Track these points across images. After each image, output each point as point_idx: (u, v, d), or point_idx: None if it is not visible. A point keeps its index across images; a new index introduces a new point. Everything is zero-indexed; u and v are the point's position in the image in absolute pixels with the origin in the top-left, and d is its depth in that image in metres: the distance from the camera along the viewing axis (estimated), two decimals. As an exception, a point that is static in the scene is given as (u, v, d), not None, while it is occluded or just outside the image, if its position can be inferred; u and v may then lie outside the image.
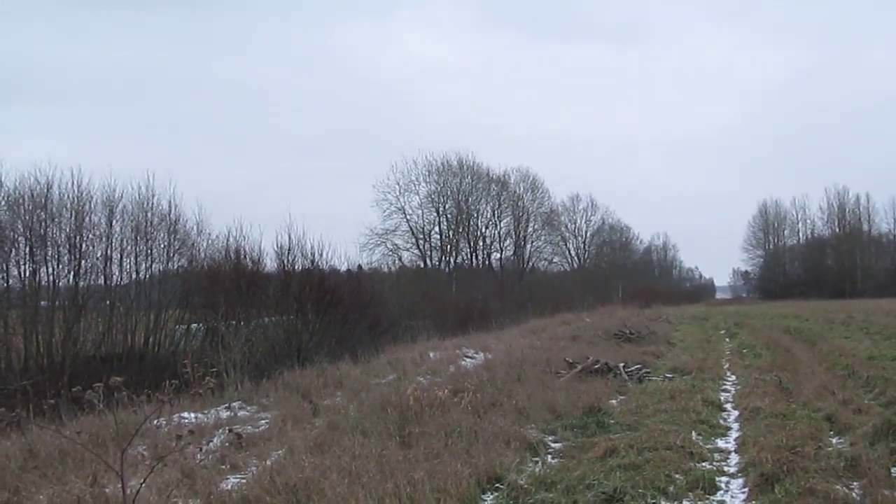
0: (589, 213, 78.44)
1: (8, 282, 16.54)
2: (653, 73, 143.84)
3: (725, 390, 14.56)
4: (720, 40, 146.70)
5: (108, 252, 18.27)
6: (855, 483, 7.50)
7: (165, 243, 19.70)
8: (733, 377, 16.32)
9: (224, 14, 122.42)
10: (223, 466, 8.67)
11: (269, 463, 8.43)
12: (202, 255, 20.63)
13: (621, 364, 16.88)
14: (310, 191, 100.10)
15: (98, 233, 18.12)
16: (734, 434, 10.54)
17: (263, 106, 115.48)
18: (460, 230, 60.02)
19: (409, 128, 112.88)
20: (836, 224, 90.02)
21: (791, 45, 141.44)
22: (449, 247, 59.37)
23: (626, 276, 76.65)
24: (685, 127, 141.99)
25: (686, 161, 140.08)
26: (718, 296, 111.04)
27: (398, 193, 57.52)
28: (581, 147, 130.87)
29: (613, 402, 13.24)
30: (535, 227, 65.23)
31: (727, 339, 27.54)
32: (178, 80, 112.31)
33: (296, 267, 21.41)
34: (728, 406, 12.80)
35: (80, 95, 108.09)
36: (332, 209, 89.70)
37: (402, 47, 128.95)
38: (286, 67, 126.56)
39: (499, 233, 62.73)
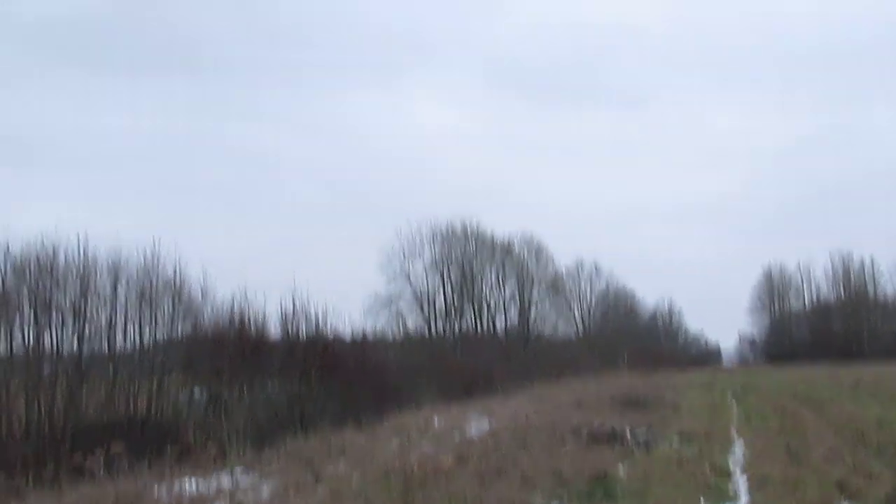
0: (593, 279, 78.56)
1: (11, 348, 16.52)
2: (658, 140, 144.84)
3: (734, 456, 14.39)
4: (725, 107, 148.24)
5: (113, 318, 18.28)
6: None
7: (170, 309, 19.70)
8: (741, 442, 16.14)
9: (236, 82, 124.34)
10: (224, 535, 8.55)
11: (270, 532, 8.32)
12: (206, 320, 20.63)
13: (627, 430, 16.71)
14: (315, 256, 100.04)
15: (103, 298, 18.15)
16: (743, 501, 10.40)
17: (271, 172, 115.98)
18: (465, 296, 60.00)
19: (415, 193, 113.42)
20: (842, 288, 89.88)
21: (795, 110, 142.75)
22: (453, 312, 59.30)
23: (632, 341, 76.19)
24: (690, 192, 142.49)
25: (691, 225, 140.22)
26: (725, 361, 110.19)
27: (403, 259, 57.78)
28: (586, 212, 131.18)
29: (620, 468, 13.08)
30: (540, 292, 65.26)
31: (734, 404, 27.29)
32: (186, 146, 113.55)
33: (300, 333, 21.42)
34: (737, 472, 12.63)
35: (90, 162, 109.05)
36: (337, 274, 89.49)
37: (410, 114, 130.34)
38: (295, 134, 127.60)
39: (503, 298, 62.72)
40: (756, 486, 11.12)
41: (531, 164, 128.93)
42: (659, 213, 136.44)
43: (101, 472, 6.15)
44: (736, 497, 10.77)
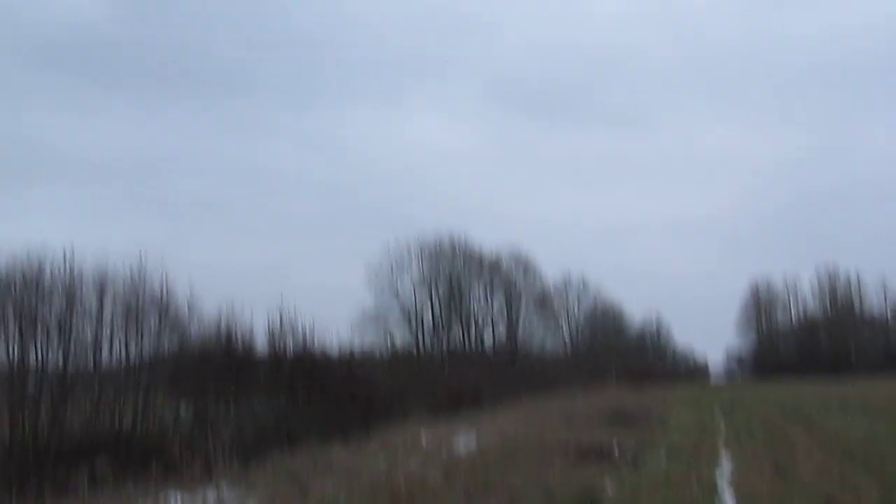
0: (581, 295, 78.67)
1: (-5, 363, 16.42)
2: (650, 157, 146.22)
3: (721, 472, 14.39)
4: (718, 125, 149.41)
5: (99, 333, 18.16)
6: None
7: (156, 324, 19.59)
8: (729, 458, 16.14)
9: (232, 96, 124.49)
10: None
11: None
12: (193, 336, 20.52)
13: (616, 446, 16.70)
14: (303, 271, 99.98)
15: (89, 314, 18.04)
16: (731, 517, 10.39)
17: (264, 185, 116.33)
18: (453, 312, 59.94)
19: (407, 208, 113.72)
20: (828, 304, 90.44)
21: (787, 128, 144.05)
22: (441, 328, 59.24)
23: (620, 357, 76.38)
24: (681, 208, 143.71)
25: (680, 240, 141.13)
26: (713, 377, 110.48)
27: (391, 274, 57.71)
28: (575, 228, 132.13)
29: (608, 485, 13.05)
30: (528, 308, 65.26)
31: (722, 421, 27.28)
32: (177, 158, 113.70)
33: (287, 349, 21.34)
34: (724, 488, 12.62)
35: (79, 175, 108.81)
36: (324, 290, 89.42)
37: (408, 130, 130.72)
38: (290, 148, 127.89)
39: (491, 314, 62.67)
40: (743, 501, 11.12)
41: (524, 181, 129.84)
42: (649, 229, 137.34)
43: (86, 488, 6.07)
44: (724, 513, 10.78)
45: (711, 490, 12.31)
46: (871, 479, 12.57)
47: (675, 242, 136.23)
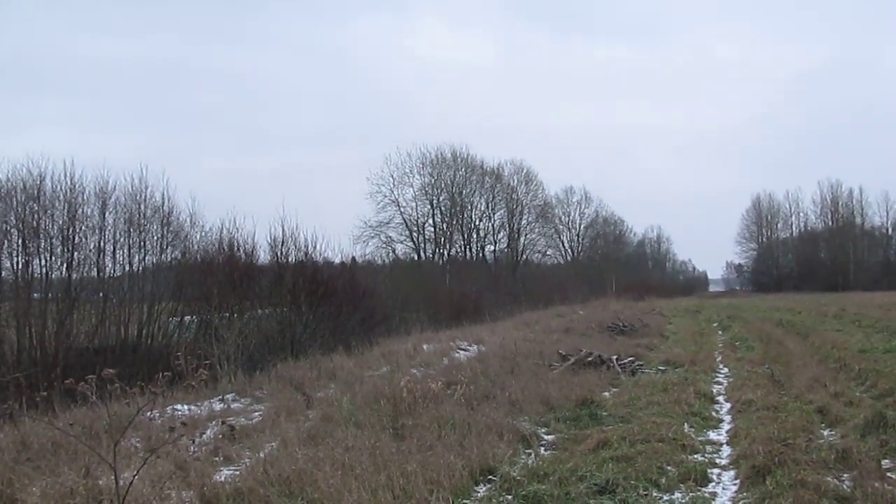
0: (583, 206, 78.57)
1: (0, 274, 16.49)
2: (660, 71, 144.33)
3: (718, 382, 14.63)
4: (731, 39, 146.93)
5: (101, 244, 18.16)
6: (845, 475, 7.54)
7: (158, 235, 19.57)
8: (726, 370, 16.39)
9: (237, 4, 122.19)
10: (216, 458, 8.67)
11: (262, 455, 8.44)
12: (195, 247, 20.53)
13: (614, 356, 16.92)
14: (305, 183, 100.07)
15: (91, 224, 18.01)
16: (726, 426, 10.59)
17: (266, 98, 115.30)
18: (454, 222, 59.96)
19: (412, 121, 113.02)
20: (829, 217, 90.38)
21: (801, 42, 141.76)
22: (443, 239, 59.38)
23: (620, 268, 76.81)
24: (685, 123, 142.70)
25: (683, 155, 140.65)
26: (712, 289, 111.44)
27: (392, 186, 57.48)
28: (580, 141, 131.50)
29: (606, 394, 13.29)
30: (529, 219, 65.26)
31: (720, 332, 27.61)
32: (180, 71, 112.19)
33: (289, 259, 21.40)
34: (720, 398, 12.85)
35: (78, 87, 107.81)
36: (326, 201, 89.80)
37: (410, 41, 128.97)
38: (291, 60, 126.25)
39: (493, 225, 62.72)
40: (739, 411, 11.32)
41: (530, 93, 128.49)
42: (654, 145, 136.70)
43: (94, 396, 6.17)
44: (719, 422, 10.98)
45: (708, 399, 12.53)
46: (864, 390, 12.79)
47: (679, 159, 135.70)
